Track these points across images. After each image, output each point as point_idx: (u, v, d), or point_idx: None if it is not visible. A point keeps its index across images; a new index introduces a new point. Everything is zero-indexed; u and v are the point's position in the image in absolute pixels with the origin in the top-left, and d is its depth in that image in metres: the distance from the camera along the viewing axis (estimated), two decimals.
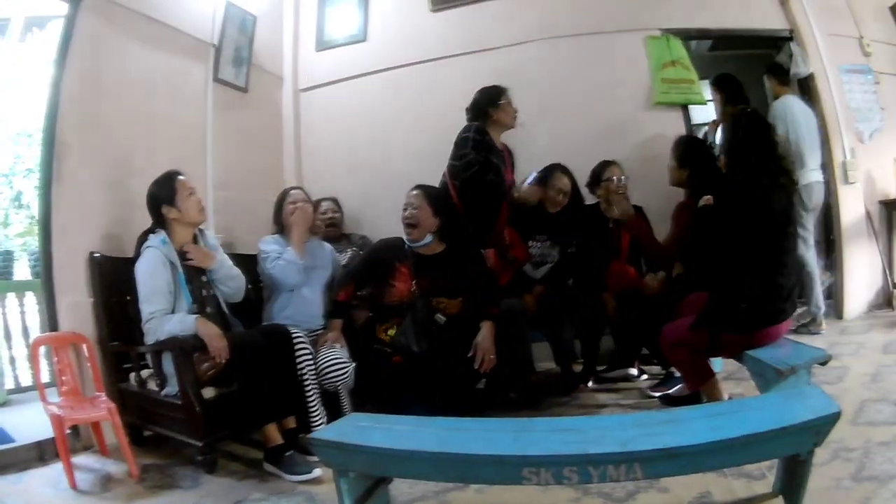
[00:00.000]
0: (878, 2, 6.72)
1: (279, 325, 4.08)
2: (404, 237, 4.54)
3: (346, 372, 4.13)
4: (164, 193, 3.92)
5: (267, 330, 3.92)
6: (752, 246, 3.40)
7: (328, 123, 6.73)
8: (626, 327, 4.79)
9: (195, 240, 4.06)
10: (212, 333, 3.65)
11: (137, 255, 3.89)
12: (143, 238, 3.95)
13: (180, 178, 3.98)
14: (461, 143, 4.79)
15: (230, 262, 4.16)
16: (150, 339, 3.76)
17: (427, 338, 4.27)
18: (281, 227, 4.62)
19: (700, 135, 6.60)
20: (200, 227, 4.15)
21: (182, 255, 3.91)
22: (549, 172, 5.00)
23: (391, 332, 4.34)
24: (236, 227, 5.30)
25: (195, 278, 3.95)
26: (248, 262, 4.56)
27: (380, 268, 4.51)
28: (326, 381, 4.08)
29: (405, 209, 4.49)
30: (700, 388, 3.78)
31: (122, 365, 4.18)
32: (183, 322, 3.67)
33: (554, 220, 4.98)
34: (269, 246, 4.48)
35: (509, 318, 4.48)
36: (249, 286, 4.51)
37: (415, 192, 4.53)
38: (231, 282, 4.12)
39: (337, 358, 4.13)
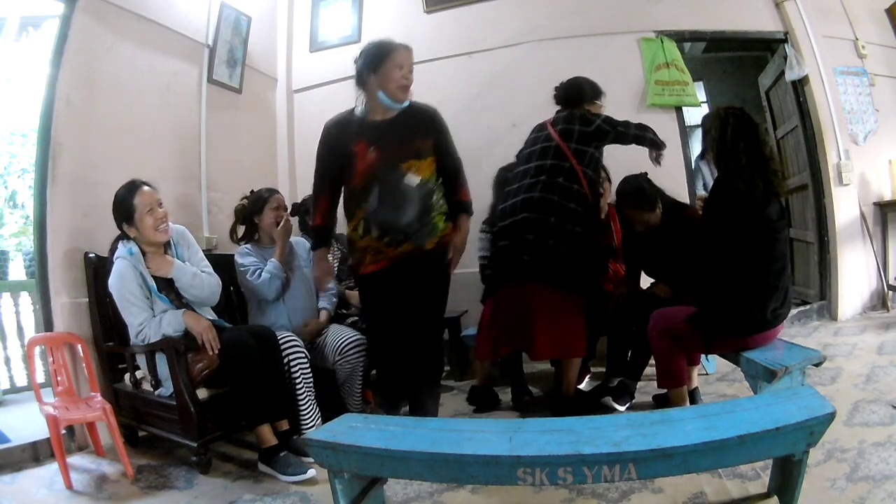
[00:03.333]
0: (873, 4, 6.73)
1: (264, 325, 4.07)
2: None
3: (363, 349, 4.21)
4: (122, 209, 3.76)
5: (254, 330, 3.89)
6: (747, 251, 3.38)
7: (322, 124, 6.73)
8: (618, 329, 4.75)
9: (165, 248, 3.89)
10: (201, 325, 3.66)
11: (110, 262, 3.81)
12: (116, 244, 3.86)
13: (144, 189, 3.79)
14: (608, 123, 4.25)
15: (195, 268, 3.93)
16: (145, 342, 3.75)
17: (398, 202, 3.71)
18: (252, 228, 4.58)
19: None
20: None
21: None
22: None
23: (359, 228, 3.78)
24: (229, 227, 5.28)
25: (166, 287, 3.82)
26: (232, 263, 4.53)
27: (338, 161, 3.85)
28: (344, 362, 4.18)
29: None
30: (668, 389, 3.81)
31: (116, 365, 4.19)
32: (172, 321, 3.67)
33: None
34: (246, 259, 4.41)
35: None
36: (231, 288, 4.60)
37: None
38: (193, 290, 3.85)
39: (353, 336, 4.26)
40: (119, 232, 3.88)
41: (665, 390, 3.88)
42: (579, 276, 4.14)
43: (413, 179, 3.73)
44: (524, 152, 4.44)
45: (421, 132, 3.85)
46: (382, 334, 3.99)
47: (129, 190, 3.78)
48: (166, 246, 3.91)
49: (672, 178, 5.87)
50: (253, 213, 4.54)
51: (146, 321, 3.70)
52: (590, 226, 4.23)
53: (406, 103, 3.82)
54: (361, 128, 3.85)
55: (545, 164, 4.18)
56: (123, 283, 3.69)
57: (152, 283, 3.77)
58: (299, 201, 5.28)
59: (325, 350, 4.33)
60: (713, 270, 3.51)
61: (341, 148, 3.84)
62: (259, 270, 4.33)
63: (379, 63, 3.75)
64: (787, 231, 3.56)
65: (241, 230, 4.63)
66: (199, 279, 3.90)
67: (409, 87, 3.84)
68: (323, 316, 4.54)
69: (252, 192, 4.65)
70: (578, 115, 4.26)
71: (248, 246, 4.52)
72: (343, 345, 4.21)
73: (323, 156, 3.97)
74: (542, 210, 4.10)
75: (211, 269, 4.06)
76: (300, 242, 4.75)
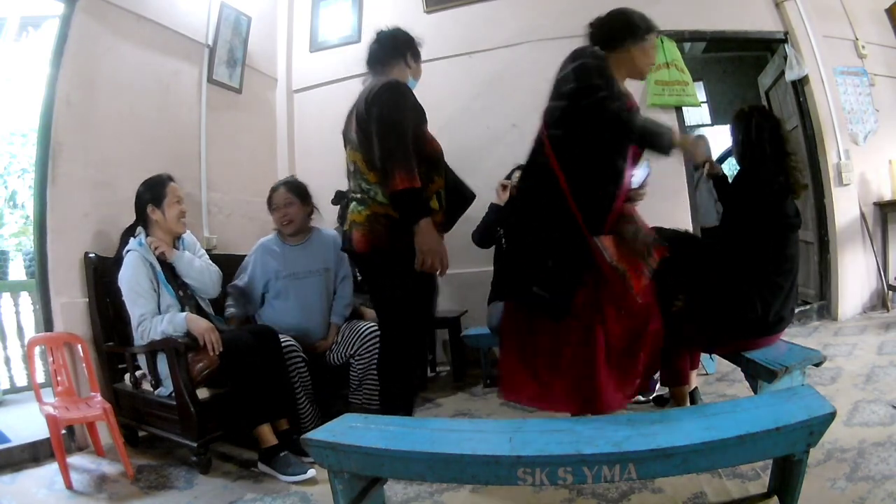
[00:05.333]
0: (873, 4, 6.74)
1: (264, 325, 4.07)
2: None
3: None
4: (152, 194, 3.98)
5: (254, 330, 3.92)
6: (760, 246, 3.38)
7: (322, 124, 6.73)
8: None
9: (175, 242, 4.09)
10: (203, 327, 3.68)
11: (119, 257, 3.95)
12: (125, 239, 4.02)
13: (172, 184, 4.05)
14: (581, 73, 3.16)
15: (195, 258, 4.10)
16: (143, 341, 3.80)
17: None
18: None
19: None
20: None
21: (160, 259, 3.92)
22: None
23: (433, 201, 3.36)
24: (230, 227, 5.30)
25: (172, 278, 3.97)
26: (231, 263, 4.59)
27: (419, 122, 3.44)
28: (363, 350, 4.24)
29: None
30: (670, 387, 3.82)
31: (116, 365, 4.20)
32: (173, 322, 3.69)
33: None
34: (251, 257, 4.47)
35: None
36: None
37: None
38: (194, 273, 4.03)
39: (370, 325, 4.29)
40: (127, 228, 4.07)
41: (667, 389, 3.89)
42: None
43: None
44: None
45: None
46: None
47: (163, 179, 4.04)
48: (176, 241, 4.09)
49: (672, 180, 5.88)
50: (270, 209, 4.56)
51: (147, 314, 3.75)
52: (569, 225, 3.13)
53: None
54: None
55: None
56: (134, 273, 3.79)
57: (161, 271, 3.87)
58: (344, 190, 5.16)
59: (340, 341, 4.39)
60: (720, 268, 3.51)
61: (422, 111, 3.52)
62: (234, 293, 4.40)
63: (418, 56, 3.89)
64: (798, 234, 3.54)
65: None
66: (198, 263, 4.08)
67: None
68: (332, 332, 4.48)
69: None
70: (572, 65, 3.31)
71: (267, 239, 4.54)
72: (363, 333, 4.27)
73: (411, 112, 3.39)
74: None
75: (211, 262, 4.19)
76: (328, 236, 4.65)
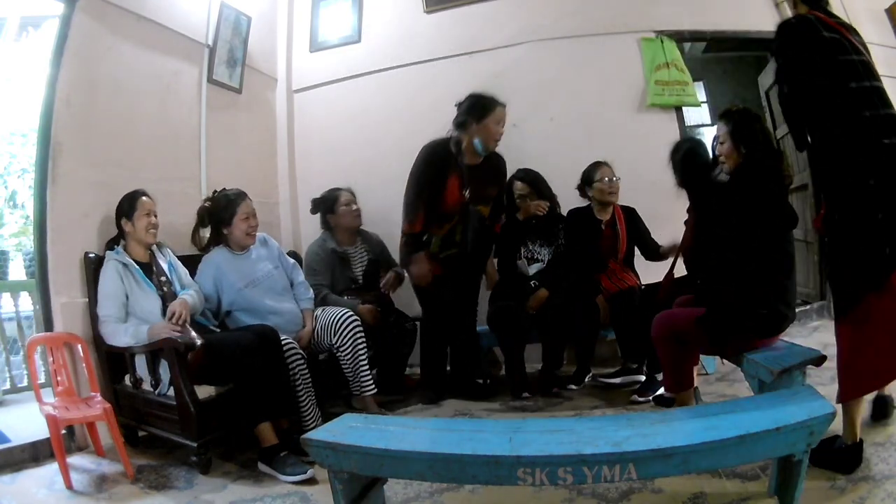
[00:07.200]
0: (873, 4, 6.71)
1: (266, 325, 4.06)
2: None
3: (357, 324, 4.37)
4: (125, 207, 4.13)
5: (256, 330, 3.92)
6: (765, 251, 3.36)
7: (322, 124, 6.73)
8: (623, 329, 4.75)
9: (151, 254, 4.19)
10: (159, 329, 3.76)
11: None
12: (109, 246, 4.19)
13: (143, 198, 4.16)
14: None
15: (189, 290, 4.20)
16: (108, 341, 3.96)
17: (469, 235, 4.80)
18: (219, 232, 4.52)
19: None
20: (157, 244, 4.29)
21: (137, 261, 4.07)
22: (510, 183, 5.08)
23: (434, 243, 4.72)
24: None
25: (153, 276, 4.10)
26: None
27: (435, 185, 4.59)
28: (342, 338, 4.34)
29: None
30: (675, 394, 3.74)
31: (116, 365, 4.18)
32: (137, 335, 3.80)
33: (533, 226, 5.01)
34: (205, 270, 4.43)
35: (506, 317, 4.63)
36: None
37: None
38: (199, 307, 4.23)
39: (343, 312, 4.43)
40: (110, 239, 4.23)
41: (673, 395, 3.85)
42: None
43: (482, 218, 4.90)
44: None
45: (493, 183, 4.94)
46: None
47: (136, 195, 4.17)
48: (154, 254, 4.22)
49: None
50: (220, 221, 4.48)
51: (110, 316, 3.90)
52: None
53: None
54: (458, 165, 4.62)
55: None
56: (106, 280, 3.95)
57: (137, 269, 3.99)
58: (318, 196, 5.25)
59: (318, 334, 4.44)
60: (724, 268, 3.50)
61: (441, 175, 4.57)
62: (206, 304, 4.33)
63: (483, 115, 4.58)
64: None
65: (205, 234, 4.59)
66: (200, 296, 4.23)
67: (499, 142, 4.77)
68: (307, 318, 4.52)
69: (215, 191, 4.60)
70: None
71: (213, 256, 4.47)
72: (337, 322, 4.35)
73: (426, 176, 4.61)
74: None
75: (192, 281, 4.34)
76: (261, 237, 4.67)
